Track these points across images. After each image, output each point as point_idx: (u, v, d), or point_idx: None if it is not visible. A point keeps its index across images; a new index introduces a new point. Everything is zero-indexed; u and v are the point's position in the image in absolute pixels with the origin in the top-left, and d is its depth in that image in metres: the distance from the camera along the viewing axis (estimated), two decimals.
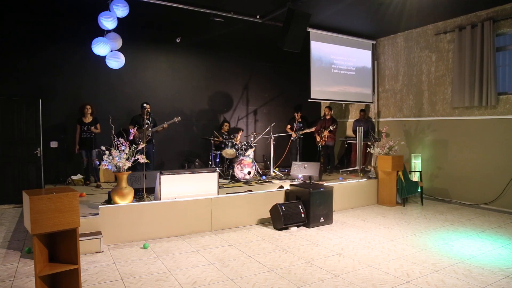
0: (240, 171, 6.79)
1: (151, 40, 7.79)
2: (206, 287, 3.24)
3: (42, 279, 2.70)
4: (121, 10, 5.26)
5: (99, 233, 4.22)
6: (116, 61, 5.65)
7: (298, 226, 5.20)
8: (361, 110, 8.49)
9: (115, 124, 5.19)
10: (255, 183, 6.79)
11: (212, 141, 7.60)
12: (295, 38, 6.28)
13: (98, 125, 6.63)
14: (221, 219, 5.13)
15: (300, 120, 8.35)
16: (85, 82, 7.13)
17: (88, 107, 6.57)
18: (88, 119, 6.59)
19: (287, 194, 5.72)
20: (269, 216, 5.29)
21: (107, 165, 4.53)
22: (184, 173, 5.08)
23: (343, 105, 9.41)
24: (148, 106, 6.74)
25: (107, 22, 5.27)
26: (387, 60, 8.36)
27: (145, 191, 5.01)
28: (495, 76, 6.23)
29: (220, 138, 7.61)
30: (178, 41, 7.69)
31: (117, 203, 4.55)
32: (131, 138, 4.62)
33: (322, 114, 8.88)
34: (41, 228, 2.58)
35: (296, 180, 7.01)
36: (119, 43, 5.66)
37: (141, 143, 4.78)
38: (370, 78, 8.58)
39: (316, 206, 5.25)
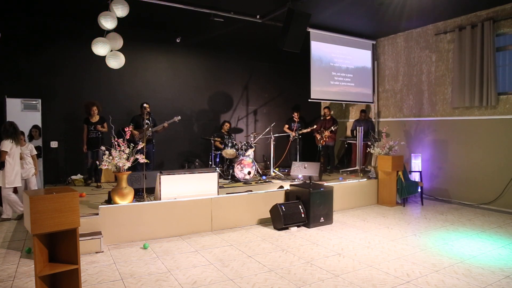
0: (240, 171, 6.79)
1: (151, 40, 7.79)
2: (206, 287, 3.24)
3: (42, 279, 2.70)
4: (121, 10, 5.26)
5: (99, 233, 4.22)
6: (116, 61, 5.64)
7: (298, 226, 5.20)
8: (362, 111, 8.49)
9: (115, 124, 5.20)
10: (255, 183, 6.79)
11: (212, 141, 7.60)
12: (295, 38, 6.28)
13: (105, 124, 6.58)
14: (221, 219, 5.13)
15: (298, 120, 8.35)
16: (85, 82, 7.13)
17: (95, 108, 6.48)
18: (95, 118, 6.54)
19: (287, 194, 5.72)
20: (269, 216, 5.29)
21: (107, 165, 4.53)
22: (184, 173, 5.08)
23: (343, 105, 9.41)
24: (147, 106, 6.74)
25: (107, 22, 5.26)
26: (387, 60, 8.36)
27: (145, 191, 5.01)
28: (495, 76, 6.23)
29: (220, 145, 7.59)
30: (178, 41, 7.70)
31: (117, 203, 4.55)
32: (127, 137, 4.61)
33: (322, 114, 8.88)
34: (41, 228, 2.58)
35: (296, 180, 7.01)
36: (119, 43, 5.66)
37: (141, 143, 4.78)
38: (370, 78, 8.58)
39: (316, 206, 5.25)
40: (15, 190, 5.47)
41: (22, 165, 5.50)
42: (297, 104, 9.06)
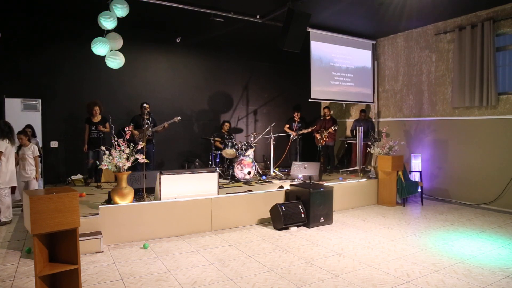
0: (240, 171, 6.79)
1: (151, 40, 7.79)
2: (206, 287, 3.24)
3: (42, 279, 2.70)
4: (121, 10, 5.26)
5: (99, 233, 4.22)
6: (116, 61, 5.64)
7: (298, 226, 5.20)
8: (362, 111, 8.49)
9: (115, 124, 5.20)
10: (255, 183, 6.79)
11: (212, 141, 7.60)
12: (295, 38, 6.28)
13: (107, 124, 6.54)
14: (221, 219, 5.13)
15: (298, 120, 8.35)
16: (85, 82, 7.13)
17: (97, 108, 6.46)
18: (97, 118, 6.52)
19: (287, 194, 5.72)
20: (269, 216, 5.29)
21: (107, 165, 4.53)
22: (184, 173, 5.08)
23: (343, 105, 9.41)
24: (147, 106, 6.74)
25: (107, 22, 5.27)
26: (387, 60, 8.36)
27: (145, 191, 5.01)
28: (495, 76, 6.23)
29: (220, 145, 7.60)
30: (178, 41, 7.70)
31: (117, 203, 4.55)
32: (127, 137, 4.61)
33: (322, 114, 8.88)
34: (41, 228, 2.58)
35: (296, 180, 7.01)
36: (119, 43, 5.66)
37: (141, 143, 4.78)
38: (370, 78, 8.59)
39: (316, 206, 5.25)
40: (12, 191, 5.39)
41: (24, 166, 5.43)
42: (298, 104, 9.05)
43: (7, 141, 5.11)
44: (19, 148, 5.48)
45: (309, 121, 9.31)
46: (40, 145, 6.39)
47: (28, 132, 5.98)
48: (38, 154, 5.57)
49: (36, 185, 5.61)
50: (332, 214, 5.48)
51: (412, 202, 6.95)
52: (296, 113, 8.35)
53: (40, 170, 5.63)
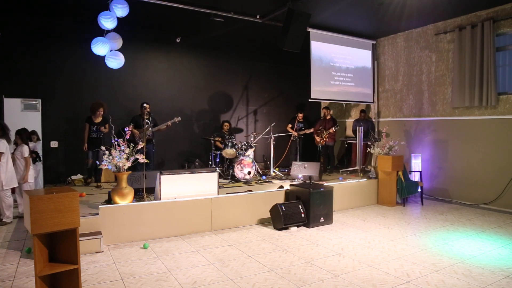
0: (240, 171, 6.79)
1: (151, 40, 7.80)
2: (206, 287, 3.24)
3: (42, 279, 2.70)
4: (121, 10, 5.27)
5: (99, 233, 4.22)
6: (116, 61, 5.65)
7: (298, 226, 5.20)
8: (362, 111, 8.48)
9: (115, 124, 5.20)
10: (255, 183, 6.79)
11: (212, 141, 7.60)
12: (295, 38, 6.28)
13: (107, 125, 6.55)
14: (221, 219, 5.13)
15: (301, 120, 8.35)
16: (85, 82, 7.13)
17: (101, 109, 6.44)
18: (98, 119, 6.52)
19: (287, 194, 5.72)
20: (269, 216, 5.29)
21: (107, 165, 4.53)
22: (184, 173, 5.08)
23: (343, 105, 9.41)
24: (147, 106, 6.74)
25: (107, 22, 5.27)
26: (387, 60, 8.36)
27: (145, 191, 5.01)
28: (495, 76, 6.23)
29: (220, 144, 7.60)
30: (178, 41, 7.70)
31: (117, 203, 4.55)
32: (127, 137, 4.61)
33: (322, 115, 8.88)
34: (41, 228, 2.58)
35: (296, 180, 7.01)
36: (119, 43, 5.66)
37: (141, 143, 4.77)
38: (370, 78, 8.58)
39: (316, 206, 5.25)
40: (12, 191, 5.33)
41: (16, 168, 5.26)
42: (302, 103, 9.03)
43: (5, 141, 5.05)
44: (15, 148, 5.44)
45: (311, 121, 9.30)
46: (40, 146, 6.37)
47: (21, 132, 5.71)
48: (27, 155, 5.32)
49: (27, 187, 5.39)
50: (332, 214, 5.48)
51: (412, 202, 6.95)
52: (299, 114, 8.34)
53: (29, 172, 5.36)
